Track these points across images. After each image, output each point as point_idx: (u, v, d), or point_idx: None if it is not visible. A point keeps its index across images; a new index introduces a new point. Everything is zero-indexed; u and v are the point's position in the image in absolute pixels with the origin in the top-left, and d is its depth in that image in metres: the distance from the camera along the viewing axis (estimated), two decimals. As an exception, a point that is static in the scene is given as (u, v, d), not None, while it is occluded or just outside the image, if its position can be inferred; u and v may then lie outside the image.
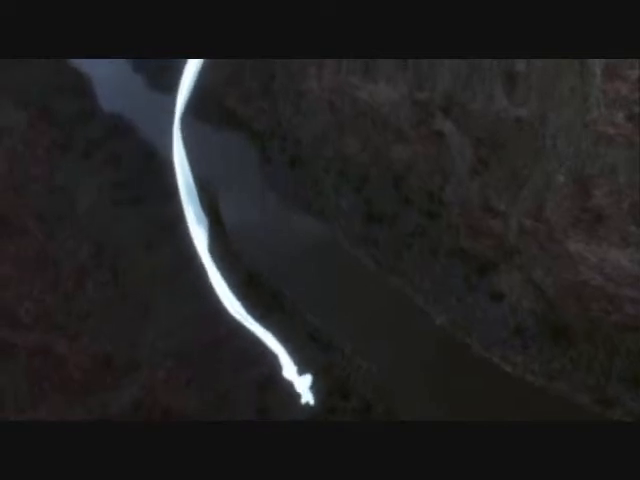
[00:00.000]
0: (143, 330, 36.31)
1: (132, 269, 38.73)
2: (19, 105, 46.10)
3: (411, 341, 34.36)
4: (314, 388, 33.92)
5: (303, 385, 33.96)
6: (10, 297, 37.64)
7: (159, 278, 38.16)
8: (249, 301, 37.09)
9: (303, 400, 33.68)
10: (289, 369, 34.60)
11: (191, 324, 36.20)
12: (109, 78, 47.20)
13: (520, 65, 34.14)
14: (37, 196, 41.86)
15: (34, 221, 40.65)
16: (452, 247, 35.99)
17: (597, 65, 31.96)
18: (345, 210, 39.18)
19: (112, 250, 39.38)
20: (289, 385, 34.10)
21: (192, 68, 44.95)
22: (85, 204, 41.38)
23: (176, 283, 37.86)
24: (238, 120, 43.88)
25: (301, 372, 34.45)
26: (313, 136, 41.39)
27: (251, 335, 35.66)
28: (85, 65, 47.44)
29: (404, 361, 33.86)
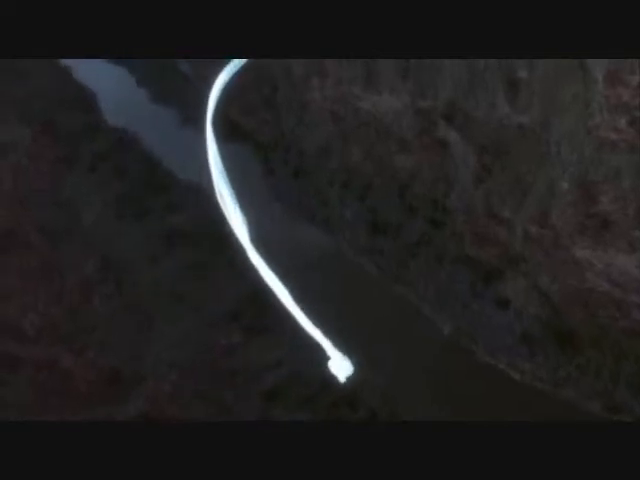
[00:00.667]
0: (148, 343, 36.19)
1: (136, 282, 38.68)
2: (23, 120, 46.23)
3: (417, 349, 34.17)
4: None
5: (341, 368, 33.93)
6: (14, 310, 37.58)
7: (163, 290, 38.08)
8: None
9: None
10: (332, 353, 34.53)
11: (195, 336, 36.07)
12: (113, 91, 47.47)
13: (522, 71, 34.25)
14: (42, 210, 41.92)
15: (39, 234, 40.68)
16: (457, 255, 35.83)
17: (598, 71, 32.02)
18: (349, 220, 39.15)
19: (117, 263, 39.39)
20: (296, 395, 33.95)
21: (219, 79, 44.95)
22: (90, 217, 41.43)
23: (180, 295, 37.76)
24: (241, 132, 43.99)
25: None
26: (317, 147, 41.44)
27: (258, 344, 35.58)
28: (88, 78, 47.76)
29: (409, 369, 33.62)
